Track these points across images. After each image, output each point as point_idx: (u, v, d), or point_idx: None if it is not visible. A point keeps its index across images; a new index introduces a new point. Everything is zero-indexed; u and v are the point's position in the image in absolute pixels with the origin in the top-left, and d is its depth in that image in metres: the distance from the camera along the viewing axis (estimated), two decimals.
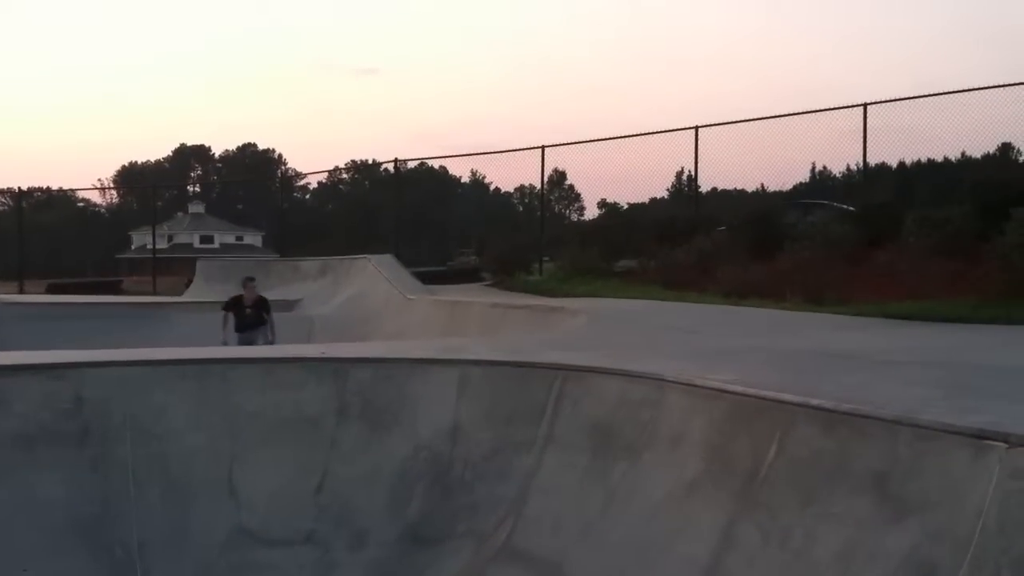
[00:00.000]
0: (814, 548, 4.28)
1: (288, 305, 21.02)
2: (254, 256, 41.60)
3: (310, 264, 23.76)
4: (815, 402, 4.88)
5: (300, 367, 7.24)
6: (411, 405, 6.92)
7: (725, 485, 5.02)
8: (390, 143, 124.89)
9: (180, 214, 75.86)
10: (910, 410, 4.52)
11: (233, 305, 14.69)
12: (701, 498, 5.14)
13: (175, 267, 40.31)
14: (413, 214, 31.69)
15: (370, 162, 58.44)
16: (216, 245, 69.13)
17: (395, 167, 30.34)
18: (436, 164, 51.85)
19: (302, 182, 72.82)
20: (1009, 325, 11.56)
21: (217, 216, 75.61)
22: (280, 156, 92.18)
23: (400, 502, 6.55)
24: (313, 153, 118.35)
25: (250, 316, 14.36)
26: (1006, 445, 3.78)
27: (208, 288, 25.48)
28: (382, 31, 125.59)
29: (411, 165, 36.35)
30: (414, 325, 16.11)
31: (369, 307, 18.75)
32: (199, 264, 28.11)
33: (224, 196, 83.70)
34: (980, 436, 3.92)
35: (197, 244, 68.66)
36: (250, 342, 13.90)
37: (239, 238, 71.55)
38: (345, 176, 71.57)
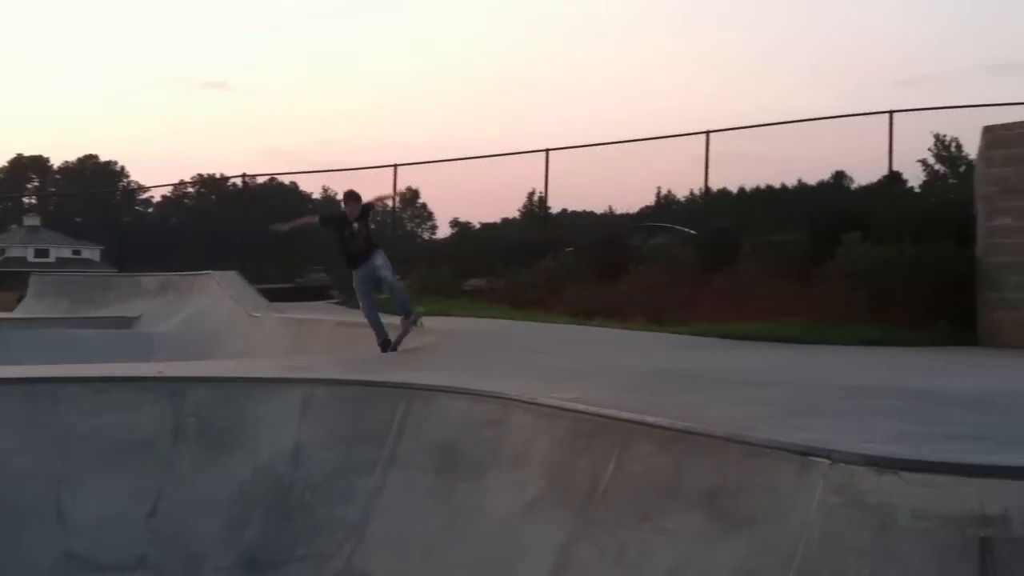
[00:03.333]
0: (648, 563, 4.37)
1: (127, 322, 20.32)
2: (92, 271, 40.06)
3: (150, 280, 23.03)
4: (652, 420, 5.00)
5: (135, 387, 7.02)
6: (251, 426, 6.77)
7: (565, 502, 5.08)
8: (239, 158, 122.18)
9: (14, 227, 72.32)
10: (741, 428, 4.67)
11: (332, 221, 11.93)
12: (542, 516, 5.19)
13: (7, 282, 38.46)
14: (261, 230, 31.07)
15: (217, 176, 57.11)
16: (52, 259, 66.18)
17: (243, 182, 29.78)
18: (287, 180, 51.06)
19: (145, 195, 70.49)
20: (837, 345, 12.11)
21: (54, 229, 72.39)
22: (123, 169, 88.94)
23: (238, 526, 6.39)
24: (158, 167, 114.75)
25: (358, 234, 11.45)
26: (829, 461, 3.93)
27: (41, 304, 24.41)
28: (232, 44, 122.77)
29: (260, 180, 35.76)
30: (258, 343, 15.77)
31: (212, 325, 18.27)
32: (32, 279, 26.95)
33: (62, 209, 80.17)
34: (805, 453, 4.07)
35: (31, 258, 65.55)
36: (372, 271, 11.40)
37: (77, 252, 68.65)
38: (191, 190, 69.67)
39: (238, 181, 30.59)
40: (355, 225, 11.51)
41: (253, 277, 22.42)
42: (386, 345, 11.20)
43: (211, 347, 16.47)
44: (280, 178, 46.96)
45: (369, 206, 11.97)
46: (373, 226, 11.89)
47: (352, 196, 11.75)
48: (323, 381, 7.17)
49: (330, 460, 6.52)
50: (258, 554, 6.26)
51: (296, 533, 6.31)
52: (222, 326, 17.93)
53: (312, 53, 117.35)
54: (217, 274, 20.88)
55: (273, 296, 21.03)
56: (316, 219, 12.59)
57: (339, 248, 11.90)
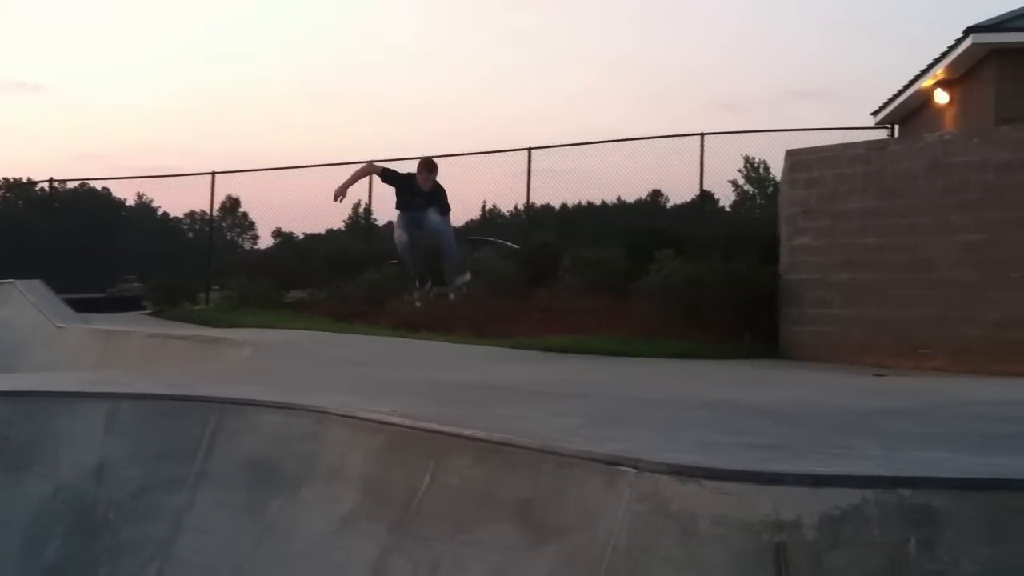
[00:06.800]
0: (461, 575, 4.40)
1: None
2: None
3: None
4: (468, 432, 5.03)
5: None
6: (52, 442, 6.43)
7: (380, 517, 5.05)
8: (49, 162, 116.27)
9: None
10: (555, 439, 4.75)
11: (394, 179, 10.27)
12: (356, 531, 5.14)
13: None
14: (71, 237, 29.68)
15: (24, 181, 54.26)
16: None
17: (50, 187, 28.48)
18: (99, 186, 49.00)
19: None
20: (651, 358, 12.52)
21: None
22: None
23: (36, 547, 6.06)
24: None
25: (420, 207, 10.20)
26: (635, 471, 4.04)
27: None
28: (47, 45, 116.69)
29: (71, 186, 34.19)
30: (64, 356, 15.08)
31: (14, 336, 17.35)
32: None
33: None
34: (613, 463, 4.17)
35: None
36: (417, 224, 10.14)
37: None
38: None
39: (46, 186, 29.16)
40: (418, 200, 10.03)
41: (62, 286, 21.42)
42: (420, 281, 10.37)
43: (13, 360, 15.65)
44: (92, 183, 44.95)
45: (444, 197, 10.17)
46: (439, 215, 10.03)
47: (429, 165, 10.03)
48: (129, 395, 6.89)
49: (136, 477, 6.26)
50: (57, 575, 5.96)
51: (99, 553, 6.03)
52: (25, 338, 17.08)
53: (131, 56, 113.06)
54: (20, 283, 19.86)
55: (82, 306, 20.17)
56: (377, 168, 10.67)
57: (396, 204, 10.36)
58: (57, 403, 6.73)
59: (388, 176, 10.35)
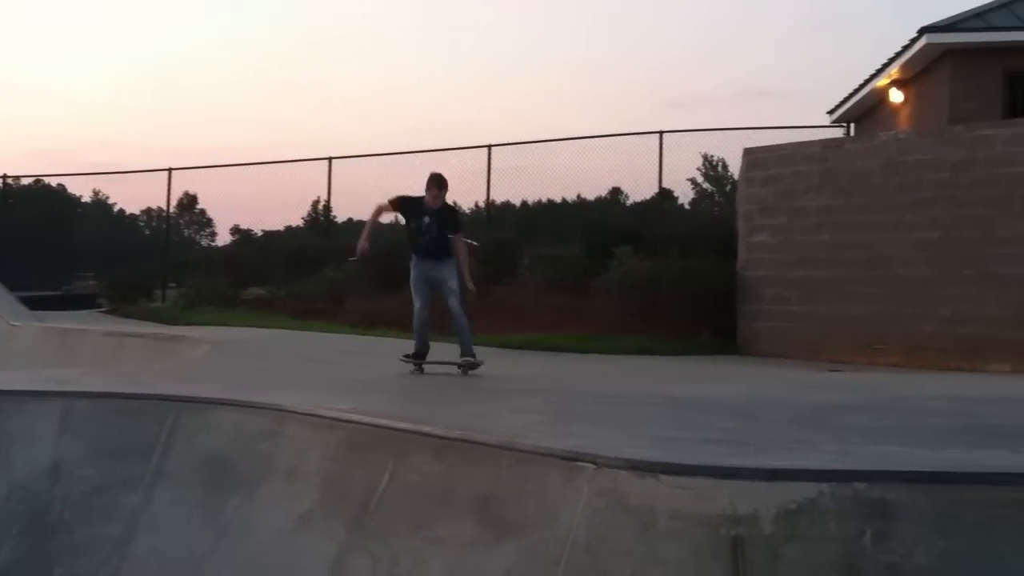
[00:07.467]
0: (420, 572, 4.39)
1: None
2: None
3: None
4: (426, 429, 5.03)
5: None
6: (5, 441, 6.34)
7: (339, 514, 5.03)
8: (2, 158, 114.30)
9: None
10: (513, 435, 4.76)
11: (405, 205, 9.62)
12: (315, 529, 5.11)
13: None
14: (25, 234, 29.22)
15: None
16: None
17: (3, 183, 28.04)
18: (54, 182, 48.25)
19: None
20: (611, 355, 12.57)
21: None
22: None
23: None
24: None
25: (430, 230, 9.42)
26: (594, 466, 4.06)
27: None
28: (5, 41, 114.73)
29: (25, 182, 33.67)
30: (19, 354, 14.87)
31: None
32: None
33: None
34: (572, 458, 4.19)
35: None
36: (438, 278, 9.43)
37: None
38: None
39: None
40: (426, 219, 9.36)
41: (16, 284, 21.13)
42: (417, 357, 9.59)
43: None
44: (47, 180, 44.19)
45: (453, 215, 9.66)
46: (451, 235, 9.40)
47: (439, 182, 9.38)
48: (84, 394, 6.80)
49: (91, 476, 6.19)
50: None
51: (54, 553, 5.96)
52: None
53: (86, 51, 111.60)
54: None
55: (37, 304, 19.92)
56: (386, 203, 9.84)
57: (407, 235, 9.75)
58: (10, 402, 6.64)
59: (400, 206, 9.82)
